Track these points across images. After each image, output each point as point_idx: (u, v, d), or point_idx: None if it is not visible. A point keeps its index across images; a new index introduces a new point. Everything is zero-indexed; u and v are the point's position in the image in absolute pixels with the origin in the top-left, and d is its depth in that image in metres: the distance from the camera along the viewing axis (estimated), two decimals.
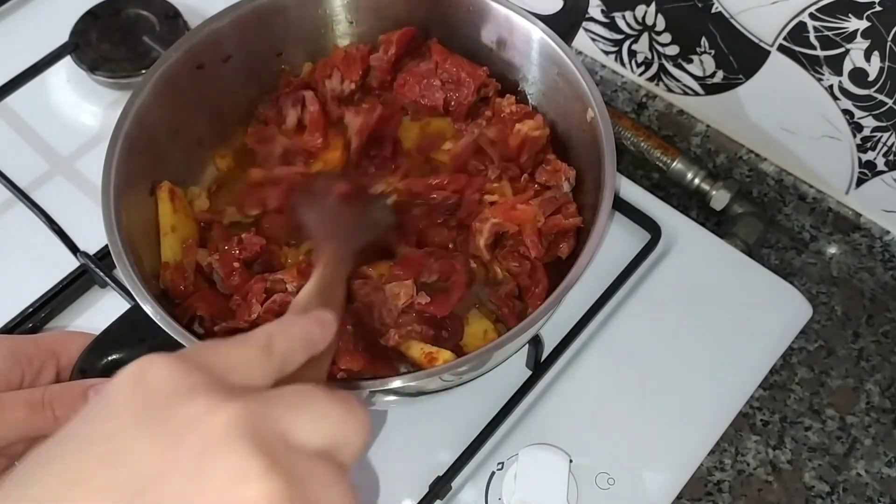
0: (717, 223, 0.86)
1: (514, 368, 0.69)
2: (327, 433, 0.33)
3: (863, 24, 0.69)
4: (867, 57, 0.70)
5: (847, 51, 0.71)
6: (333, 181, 0.67)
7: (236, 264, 0.64)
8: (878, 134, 0.75)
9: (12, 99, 0.82)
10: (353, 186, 0.67)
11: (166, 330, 0.54)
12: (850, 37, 0.70)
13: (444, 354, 0.60)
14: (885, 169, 0.77)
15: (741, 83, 0.81)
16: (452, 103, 0.72)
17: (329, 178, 0.68)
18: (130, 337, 0.55)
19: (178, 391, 0.31)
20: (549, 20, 0.69)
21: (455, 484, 0.64)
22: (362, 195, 0.68)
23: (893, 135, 0.74)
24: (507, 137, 0.69)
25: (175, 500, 0.29)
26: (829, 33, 0.71)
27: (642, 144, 0.87)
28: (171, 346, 0.54)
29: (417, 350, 0.60)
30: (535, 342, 0.67)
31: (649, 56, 0.87)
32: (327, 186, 0.66)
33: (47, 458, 0.31)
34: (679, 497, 0.66)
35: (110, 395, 0.32)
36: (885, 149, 0.75)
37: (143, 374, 0.32)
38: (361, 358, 0.60)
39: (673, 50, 0.84)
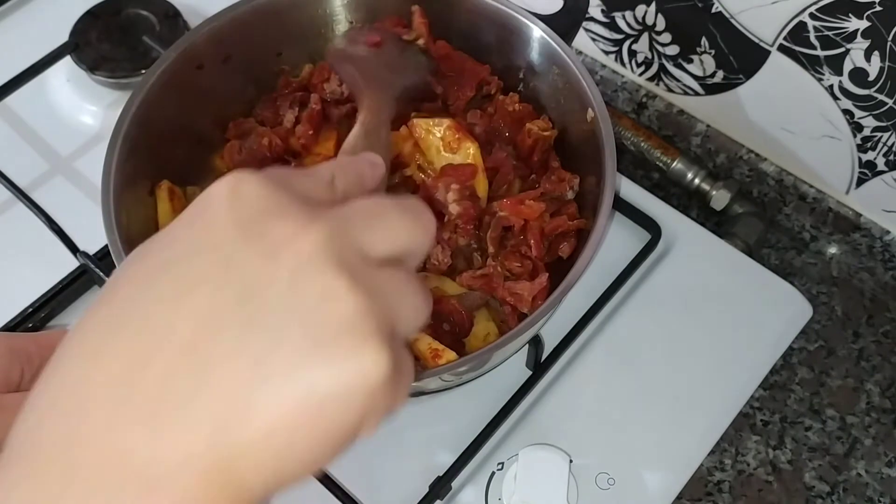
0: (718, 223, 0.86)
1: (514, 368, 0.69)
2: (398, 243, 0.36)
3: (863, 24, 0.69)
4: (867, 57, 0.70)
5: (847, 51, 0.71)
6: (363, 33, 0.68)
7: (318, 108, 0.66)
8: (879, 134, 0.75)
9: (12, 99, 0.82)
10: (383, 35, 0.68)
11: None
12: (851, 37, 0.70)
13: (449, 354, 0.60)
14: (886, 169, 0.77)
15: (741, 83, 0.81)
16: (450, 98, 0.72)
17: (359, 30, 0.70)
18: None
19: (270, 208, 0.34)
20: (549, 20, 0.69)
21: (455, 484, 0.64)
22: (395, 43, 0.68)
23: (894, 135, 0.74)
24: (517, 136, 0.69)
25: (276, 310, 0.31)
26: (830, 33, 0.71)
27: (642, 144, 0.87)
28: None
29: (425, 344, 0.60)
30: (535, 342, 0.67)
31: (649, 56, 0.87)
32: (358, 39, 0.68)
33: (164, 262, 0.33)
34: (679, 497, 0.66)
35: (206, 205, 0.34)
36: (886, 149, 0.75)
37: (237, 188, 0.34)
38: None
39: (673, 50, 0.84)
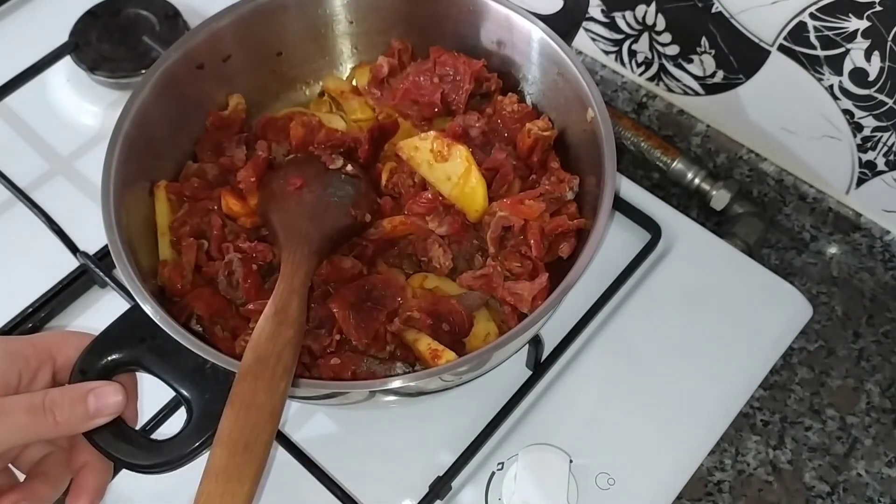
0: (718, 223, 0.86)
1: (514, 368, 0.69)
2: None
3: (863, 24, 0.69)
4: (867, 57, 0.70)
5: (847, 51, 0.71)
6: (289, 176, 0.67)
7: (255, 266, 0.64)
8: (879, 134, 0.75)
9: (12, 99, 0.82)
10: (306, 173, 0.67)
11: (166, 330, 0.54)
12: (851, 37, 0.70)
13: (448, 354, 0.60)
14: (886, 169, 0.77)
15: (741, 83, 0.81)
16: (452, 97, 0.72)
17: (286, 171, 0.69)
18: (130, 337, 0.55)
19: None
20: (548, 20, 0.69)
21: (455, 484, 0.64)
22: (319, 179, 0.68)
23: (893, 135, 0.74)
24: (517, 137, 0.69)
25: None
26: (830, 33, 0.71)
27: (642, 144, 0.87)
28: (170, 345, 0.54)
29: (424, 344, 0.61)
30: (535, 342, 0.67)
31: (649, 56, 0.87)
32: (284, 184, 0.67)
33: None
34: (679, 497, 0.66)
35: None
36: (886, 149, 0.75)
37: None
38: (362, 332, 0.61)
39: (673, 50, 0.84)
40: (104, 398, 0.51)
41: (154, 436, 0.63)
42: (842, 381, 0.77)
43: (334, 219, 0.66)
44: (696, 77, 0.85)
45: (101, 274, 0.71)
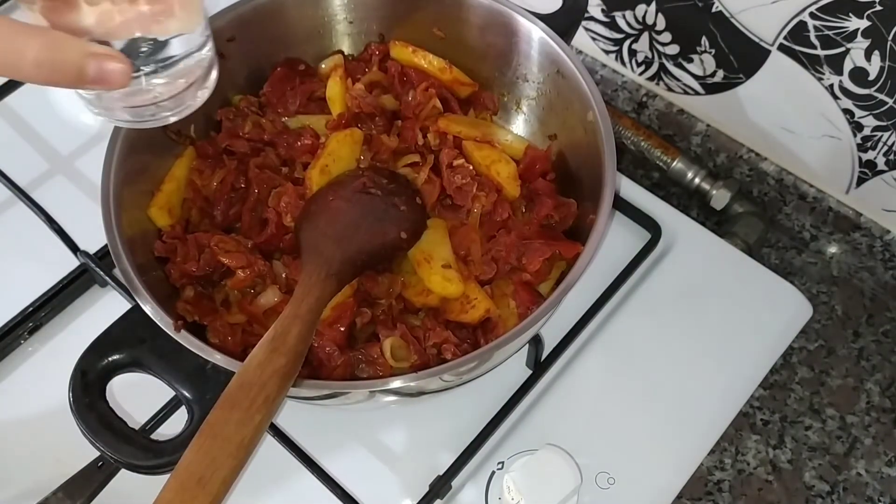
0: (718, 223, 0.86)
1: (514, 368, 0.69)
2: None
3: (863, 24, 0.69)
4: (867, 56, 0.70)
5: (847, 50, 0.71)
6: (328, 194, 0.65)
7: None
8: (879, 133, 0.75)
9: (13, 98, 0.82)
10: (345, 195, 0.65)
11: (166, 330, 0.54)
12: (851, 36, 0.70)
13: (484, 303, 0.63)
14: (886, 168, 0.77)
15: (741, 82, 0.81)
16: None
17: (329, 189, 0.66)
18: (131, 337, 0.55)
19: None
20: (548, 19, 0.69)
21: (455, 483, 0.64)
22: (361, 197, 0.65)
23: (894, 134, 0.74)
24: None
25: None
26: (830, 33, 0.71)
27: (642, 144, 0.87)
28: (171, 346, 0.54)
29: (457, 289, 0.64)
30: (536, 342, 0.67)
31: (649, 55, 0.87)
32: (322, 201, 0.65)
33: None
34: (679, 497, 0.66)
35: None
36: (886, 148, 0.75)
37: None
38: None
39: (673, 49, 0.84)
40: (106, 63, 0.44)
41: (154, 436, 0.63)
42: (842, 380, 0.77)
43: (363, 241, 0.63)
44: (696, 76, 0.85)
45: (102, 273, 0.71)
